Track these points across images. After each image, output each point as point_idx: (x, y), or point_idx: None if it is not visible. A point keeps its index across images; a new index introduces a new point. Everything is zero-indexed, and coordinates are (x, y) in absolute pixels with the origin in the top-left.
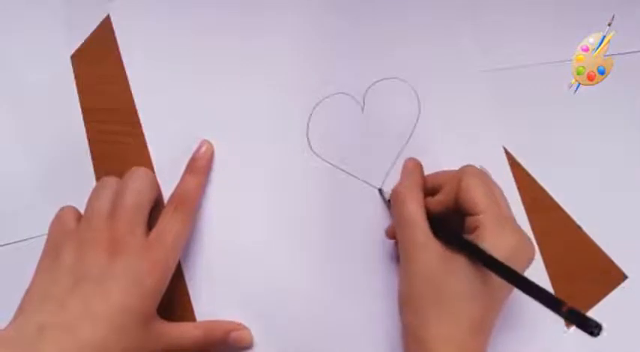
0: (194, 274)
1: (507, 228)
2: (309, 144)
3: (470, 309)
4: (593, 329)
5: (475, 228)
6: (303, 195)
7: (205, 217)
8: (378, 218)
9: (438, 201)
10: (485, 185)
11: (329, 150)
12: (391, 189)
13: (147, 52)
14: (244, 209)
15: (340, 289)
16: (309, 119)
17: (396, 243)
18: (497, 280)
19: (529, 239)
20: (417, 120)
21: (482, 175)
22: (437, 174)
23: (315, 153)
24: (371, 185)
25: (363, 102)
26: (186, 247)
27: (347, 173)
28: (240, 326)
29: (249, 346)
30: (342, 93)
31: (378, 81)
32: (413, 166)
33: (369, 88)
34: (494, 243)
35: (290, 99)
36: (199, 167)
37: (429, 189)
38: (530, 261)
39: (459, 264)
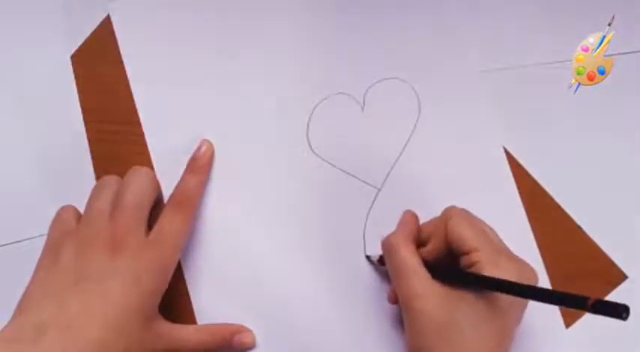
0: (194, 274)
1: (503, 258)
2: (309, 144)
3: (483, 344)
4: (622, 313)
5: (471, 266)
6: (303, 195)
7: (205, 217)
8: (379, 218)
9: (429, 250)
10: (471, 222)
11: (329, 150)
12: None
13: (147, 51)
14: (244, 209)
15: (340, 290)
16: (309, 119)
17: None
18: (505, 305)
19: (528, 265)
20: (417, 120)
21: (466, 213)
22: (424, 224)
23: (315, 153)
24: (371, 185)
25: (363, 103)
26: (187, 247)
27: (347, 173)
28: (243, 329)
29: (252, 348)
30: (342, 93)
31: (378, 81)
32: (408, 218)
33: (369, 88)
34: (494, 275)
35: (290, 99)
36: (199, 166)
37: (421, 241)
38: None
39: (465, 300)
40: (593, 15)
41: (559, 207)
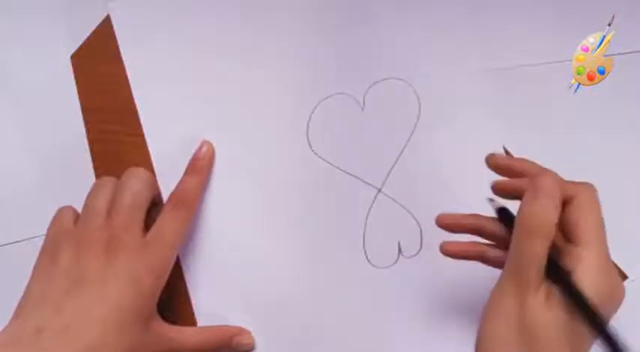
0: (194, 274)
1: (610, 271)
2: (310, 144)
3: None
4: None
5: (575, 260)
6: (303, 195)
7: (205, 217)
8: (379, 218)
9: None
10: (598, 213)
11: (329, 150)
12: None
13: (147, 51)
14: (244, 209)
15: (339, 290)
16: (309, 119)
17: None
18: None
19: (621, 280)
20: (417, 120)
21: (598, 200)
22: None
23: (315, 153)
24: (372, 185)
25: (363, 103)
26: (187, 247)
27: (347, 173)
28: (242, 331)
29: (252, 349)
30: (342, 93)
31: (378, 81)
32: (552, 183)
33: (370, 88)
34: (594, 285)
35: (290, 99)
36: (200, 167)
37: None
38: (620, 304)
39: (557, 311)
40: (593, 15)
41: None
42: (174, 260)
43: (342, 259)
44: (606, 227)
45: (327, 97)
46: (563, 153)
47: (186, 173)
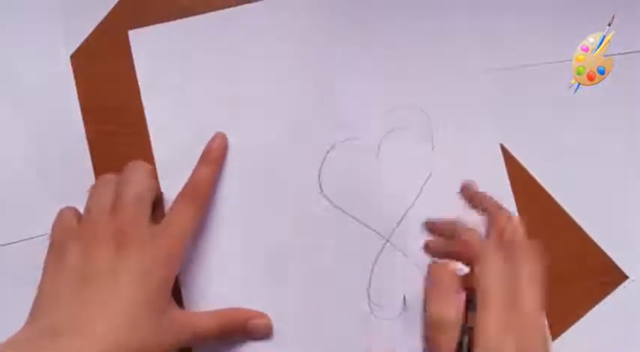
0: (191, 292)
1: (516, 329)
2: (320, 186)
3: None
4: None
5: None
6: (308, 237)
7: (207, 254)
8: (385, 269)
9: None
10: (496, 273)
11: (340, 194)
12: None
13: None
14: (247, 244)
15: (340, 338)
16: (323, 160)
17: None
18: None
19: (544, 336)
20: (431, 175)
21: (498, 258)
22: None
23: (325, 196)
24: (380, 235)
25: (378, 149)
26: (186, 283)
27: (356, 219)
28: (259, 314)
29: (269, 334)
30: (357, 137)
31: (393, 130)
32: (448, 279)
33: (386, 134)
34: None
35: (304, 140)
36: (213, 158)
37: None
38: None
39: None
40: (593, 15)
41: (559, 206)
42: (184, 250)
43: (343, 306)
44: (607, 227)
45: (343, 140)
46: (563, 153)
47: (198, 164)
